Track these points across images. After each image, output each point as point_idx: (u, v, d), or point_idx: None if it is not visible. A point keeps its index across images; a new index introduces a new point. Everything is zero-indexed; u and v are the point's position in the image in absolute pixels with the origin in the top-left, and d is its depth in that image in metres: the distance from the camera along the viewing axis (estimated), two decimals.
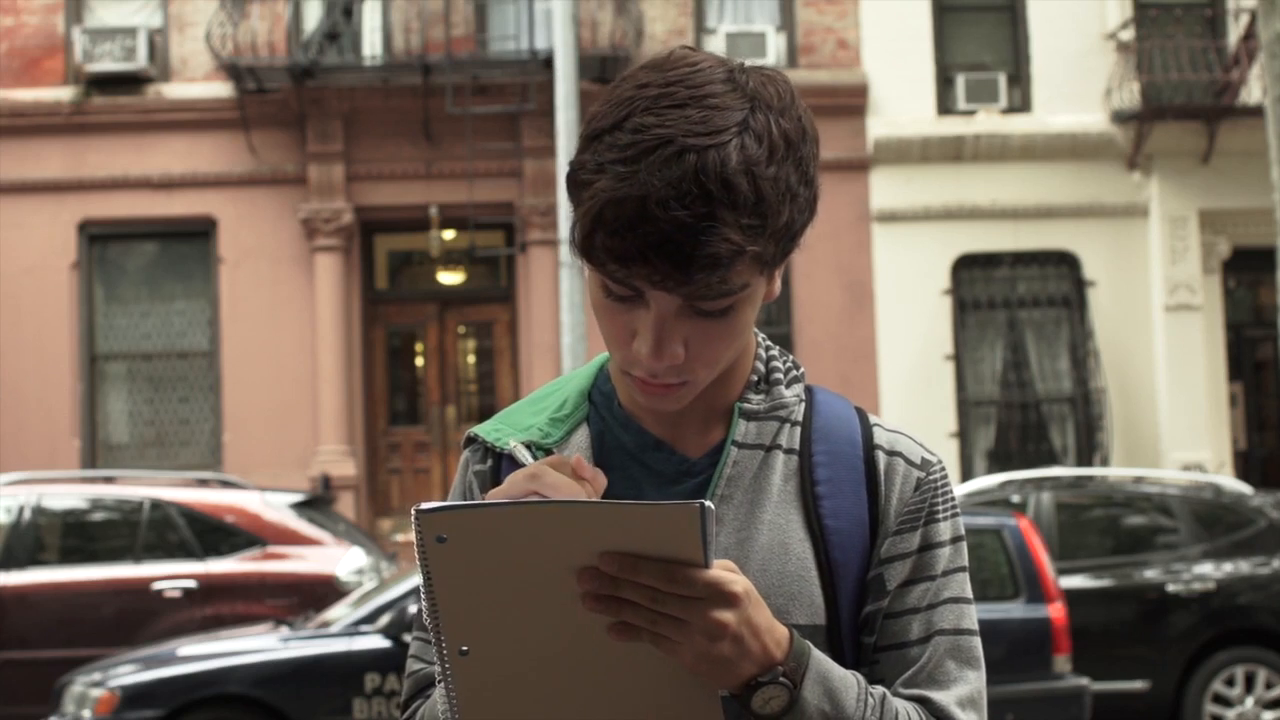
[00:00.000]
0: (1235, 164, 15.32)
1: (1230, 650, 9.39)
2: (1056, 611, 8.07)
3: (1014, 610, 8.14)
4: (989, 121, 15.76)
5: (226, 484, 10.86)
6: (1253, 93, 14.85)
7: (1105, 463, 15.05)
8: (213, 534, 10.01)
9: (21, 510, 10.05)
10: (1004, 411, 15.72)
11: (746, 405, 1.48)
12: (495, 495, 1.33)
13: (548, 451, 1.47)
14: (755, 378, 1.49)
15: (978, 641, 1.49)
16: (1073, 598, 8.72)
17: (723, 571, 1.24)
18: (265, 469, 14.49)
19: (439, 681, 1.31)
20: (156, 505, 10.10)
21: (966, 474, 15.10)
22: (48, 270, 15.40)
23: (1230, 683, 9.37)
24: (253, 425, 15.24)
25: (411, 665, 1.54)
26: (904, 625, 1.45)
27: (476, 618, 1.28)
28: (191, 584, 9.75)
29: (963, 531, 1.51)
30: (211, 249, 15.65)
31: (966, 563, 1.51)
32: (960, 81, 15.85)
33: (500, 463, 1.49)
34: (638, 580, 1.21)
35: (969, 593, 1.50)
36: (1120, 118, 15.58)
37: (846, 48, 15.92)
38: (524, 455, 1.46)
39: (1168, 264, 15.63)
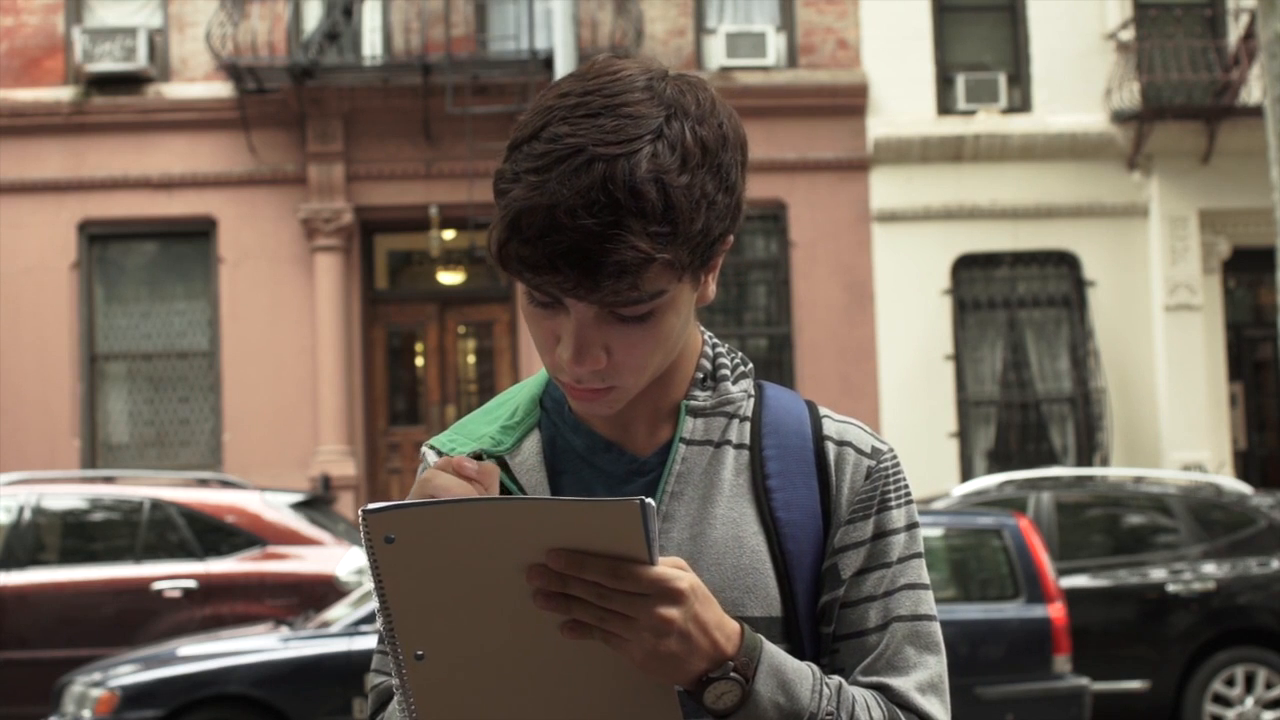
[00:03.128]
0: (1235, 164, 15.32)
1: (1230, 650, 9.39)
2: (1056, 611, 8.07)
3: (1014, 610, 8.14)
4: (989, 121, 15.76)
5: (226, 484, 10.86)
6: (1253, 93, 14.85)
7: (1105, 463, 15.04)
8: (213, 534, 10.01)
9: (21, 510, 10.05)
10: (1004, 411, 15.72)
11: (693, 403, 1.49)
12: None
13: (500, 460, 1.48)
14: (701, 375, 1.50)
15: (936, 626, 1.49)
16: (1073, 598, 8.72)
17: (668, 569, 1.25)
18: (265, 469, 14.49)
19: (396, 690, 1.30)
20: (156, 505, 10.10)
21: (966, 474, 15.10)
22: (48, 270, 15.40)
23: (1230, 683, 9.37)
24: (253, 425, 15.24)
25: (372, 679, 1.54)
26: (861, 613, 1.46)
27: (430, 620, 1.28)
28: (191, 584, 9.75)
29: (917, 518, 1.52)
30: (211, 249, 15.65)
31: (922, 549, 1.52)
32: (960, 81, 15.85)
33: None
34: (584, 577, 1.22)
35: (925, 578, 1.51)
36: (1120, 118, 15.58)
37: (846, 48, 15.92)
38: (431, 458, 1.48)
39: (1168, 264, 15.63)
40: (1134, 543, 10.07)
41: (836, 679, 1.39)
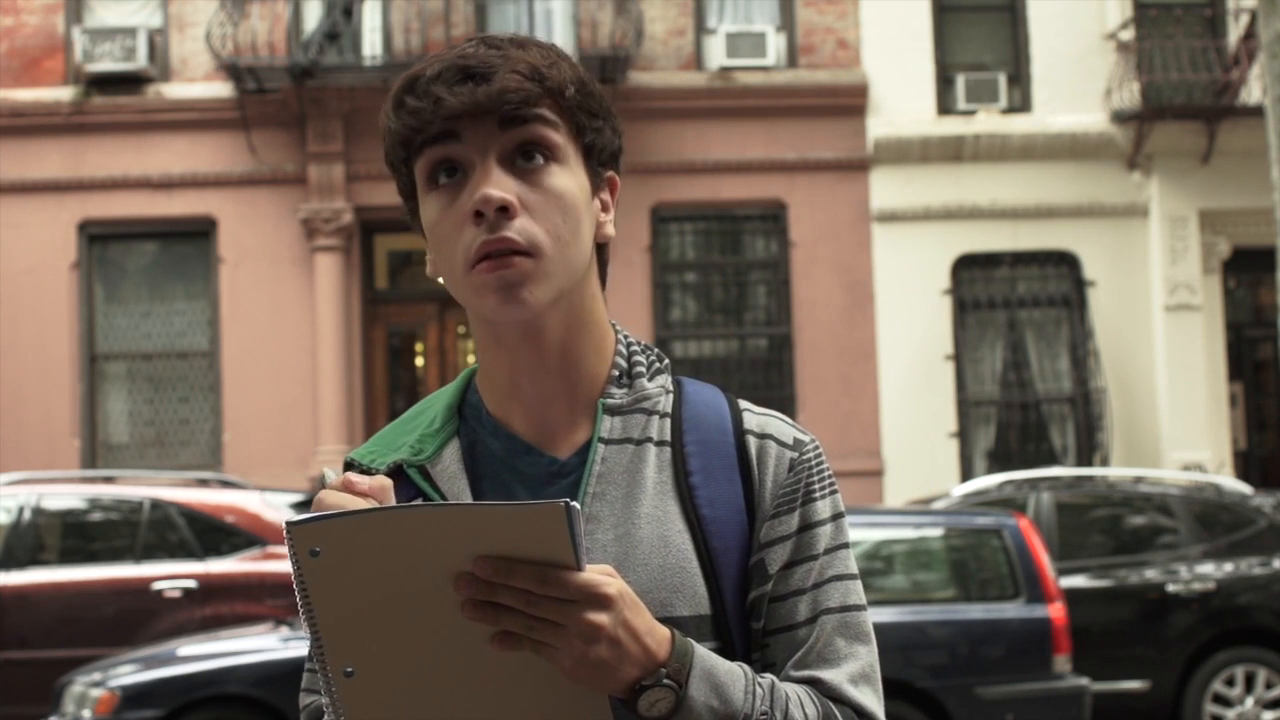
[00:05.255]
0: (1235, 164, 15.32)
1: (1230, 650, 9.40)
2: (1056, 611, 8.07)
3: (1014, 610, 8.14)
4: (989, 121, 15.76)
5: (226, 484, 10.85)
6: (1253, 93, 14.85)
7: (1105, 463, 15.04)
8: (213, 534, 10.01)
9: (21, 510, 10.05)
10: (1004, 411, 15.72)
11: (610, 401, 1.48)
12: None
13: (421, 469, 1.47)
14: (617, 373, 1.50)
15: (866, 616, 1.49)
16: (1073, 598, 8.72)
17: (596, 574, 1.24)
18: (265, 469, 14.49)
19: (326, 709, 1.28)
20: (156, 505, 10.10)
21: (966, 474, 15.10)
22: (48, 270, 15.40)
23: (1230, 683, 9.38)
24: (253, 425, 15.23)
25: (303, 699, 1.51)
26: (791, 607, 1.45)
27: (359, 635, 1.25)
28: (191, 584, 9.75)
29: (842, 508, 1.51)
30: (211, 249, 15.64)
31: (849, 539, 1.51)
32: (960, 81, 15.85)
33: None
34: (512, 584, 1.21)
35: (854, 568, 1.50)
36: (1120, 118, 15.58)
37: (846, 48, 15.92)
38: (330, 475, 1.48)
39: (1168, 264, 15.63)
40: (1134, 543, 10.07)
41: (769, 678, 1.38)
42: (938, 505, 10.06)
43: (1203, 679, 9.33)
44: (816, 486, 1.48)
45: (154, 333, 15.71)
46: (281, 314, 15.38)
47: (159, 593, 9.74)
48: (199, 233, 15.68)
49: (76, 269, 15.50)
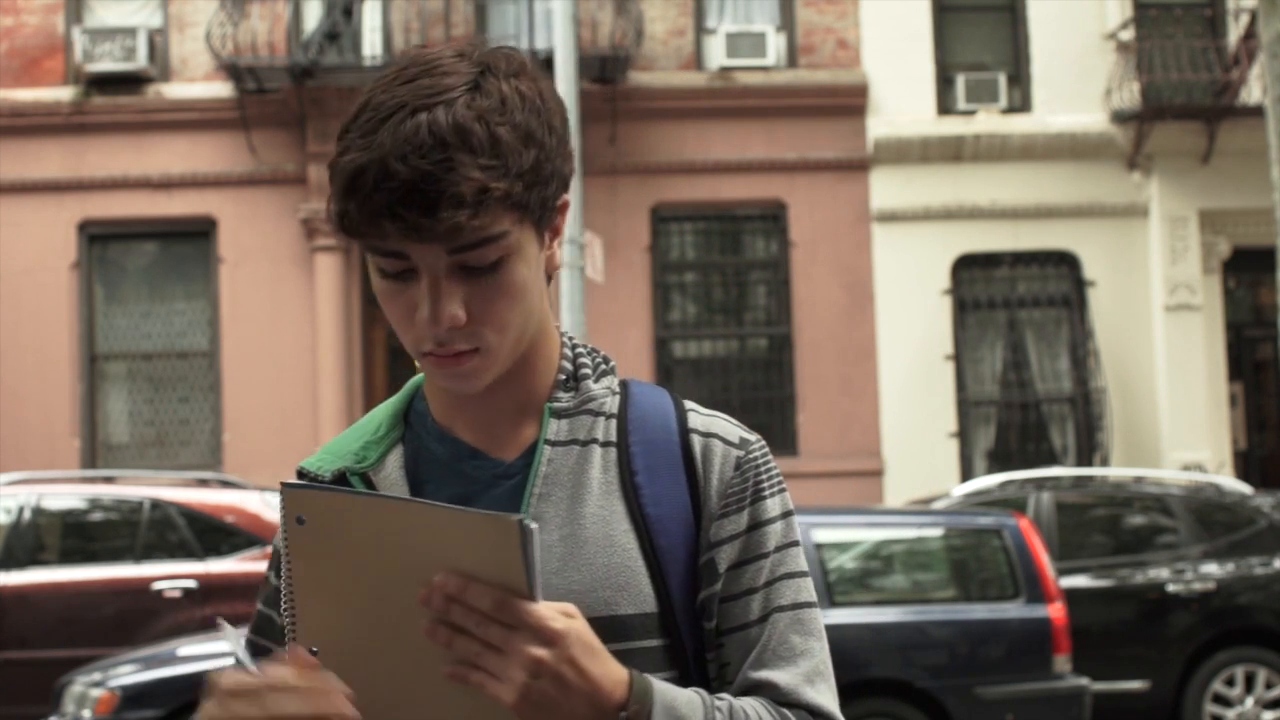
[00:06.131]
0: (1235, 164, 15.32)
1: (1230, 650, 9.40)
2: (1056, 611, 8.07)
3: (1014, 610, 8.14)
4: (989, 121, 15.76)
5: (226, 484, 10.85)
6: (1253, 93, 14.85)
7: (1105, 463, 15.04)
8: (213, 534, 10.01)
9: (21, 510, 10.05)
10: (1004, 411, 15.72)
11: (556, 404, 1.48)
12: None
13: (363, 476, 1.48)
14: (563, 376, 1.51)
15: (817, 613, 1.49)
16: (1073, 598, 8.72)
17: (549, 608, 1.24)
18: (265, 469, 14.48)
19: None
20: (156, 505, 10.10)
21: (966, 474, 15.10)
22: (48, 270, 15.40)
23: (1230, 683, 9.38)
24: (253, 425, 15.24)
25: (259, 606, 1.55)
26: (743, 606, 1.45)
27: (326, 613, 1.28)
28: (191, 584, 9.75)
29: (791, 506, 1.51)
30: (211, 249, 15.64)
31: (798, 536, 1.51)
32: (960, 81, 15.85)
33: None
34: (467, 602, 1.22)
35: (804, 565, 1.50)
36: (1120, 118, 15.58)
37: (846, 48, 15.92)
38: (230, 633, 1.43)
39: (1168, 264, 15.63)
40: (1134, 543, 10.07)
41: (725, 700, 1.39)
42: (938, 505, 10.06)
43: (1203, 679, 9.34)
44: (765, 485, 1.48)
45: (154, 333, 15.71)
46: (281, 314, 15.38)
47: (159, 593, 9.73)
48: (199, 233, 15.68)
49: (76, 269, 15.50)
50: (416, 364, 1.45)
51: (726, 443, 1.49)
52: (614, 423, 1.49)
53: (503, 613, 1.22)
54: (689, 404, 1.53)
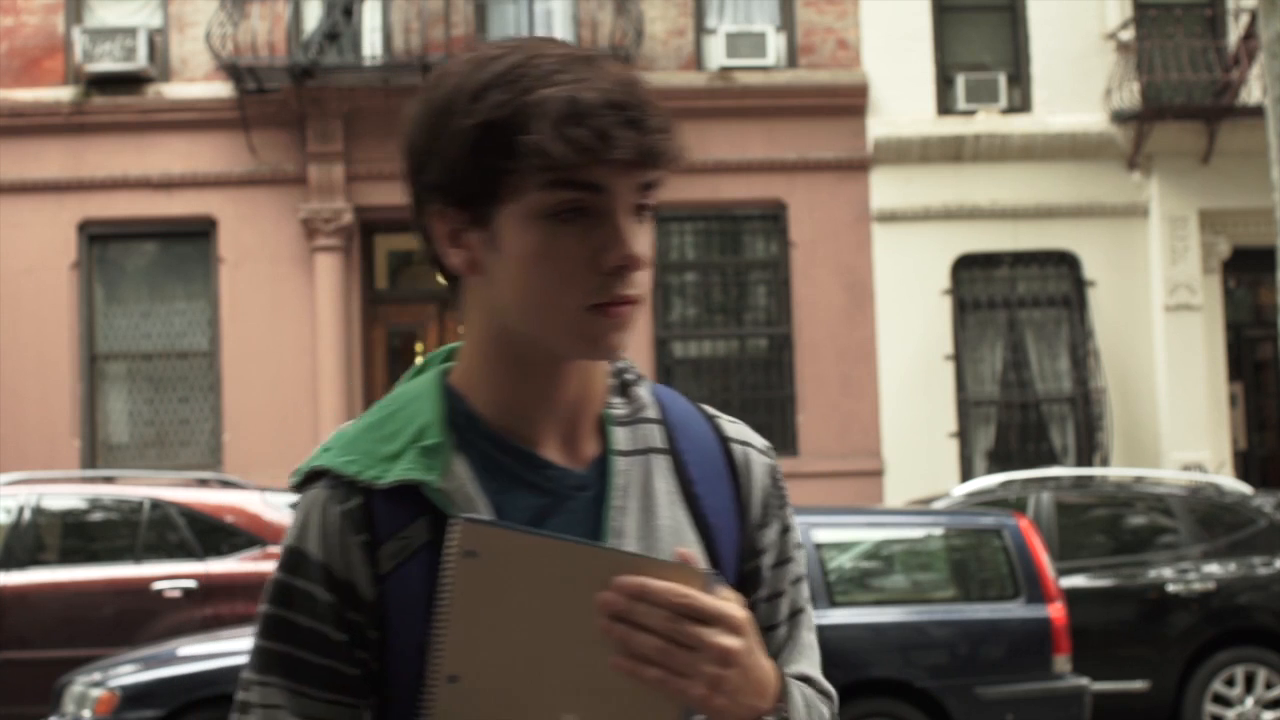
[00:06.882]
0: (1235, 164, 15.32)
1: (1230, 650, 9.39)
2: (1056, 611, 8.07)
3: (1014, 610, 8.14)
4: (989, 121, 15.75)
5: (226, 484, 10.85)
6: (1253, 93, 14.85)
7: (1105, 463, 15.04)
8: (213, 534, 10.01)
9: (21, 510, 10.05)
10: (1004, 411, 15.71)
11: (614, 412, 1.47)
12: None
13: (438, 490, 1.38)
14: (614, 382, 1.49)
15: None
16: (1073, 598, 8.71)
17: (727, 598, 1.28)
18: (265, 469, 14.47)
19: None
20: (156, 505, 10.10)
21: (966, 474, 15.10)
22: (48, 270, 15.40)
23: (1230, 683, 9.37)
24: (253, 425, 15.24)
25: (258, 712, 1.38)
26: (774, 607, 1.50)
27: (478, 644, 1.27)
28: (191, 584, 9.75)
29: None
30: (211, 249, 15.64)
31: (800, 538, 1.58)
32: (960, 81, 15.85)
33: (371, 499, 1.38)
34: (654, 599, 1.24)
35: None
36: (1120, 118, 15.58)
37: (846, 48, 15.92)
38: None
39: (1168, 264, 15.63)
40: (1134, 543, 10.07)
41: (799, 685, 1.44)
42: (938, 505, 10.06)
43: (1203, 679, 9.33)
44: (785, 491, 1.54)
45: (154, 333, 15.71)
46: (281, 314, 15.38)
47: (159, 593, 9.73)
48: (199, 233, 15.68)
49: (76, 269, 15.50)
50: (549, 339, 1.38)
51: (759, 451, 1.53)
52: (662, 429, 1.49)
53: (691, 606, 1.24)
54: (708, 409, 1.55)
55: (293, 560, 1.39)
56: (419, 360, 1.56)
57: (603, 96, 1.31)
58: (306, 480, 1.43)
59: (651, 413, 1.49)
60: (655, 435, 1.47)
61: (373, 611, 1.37)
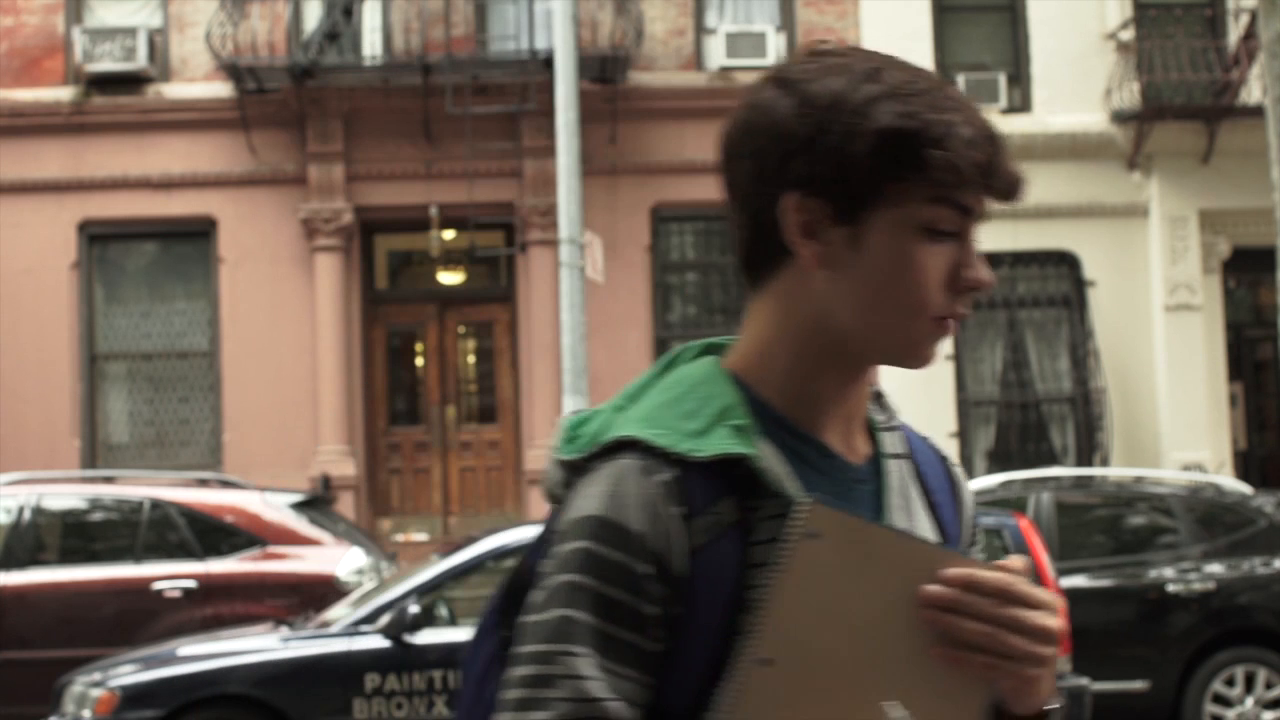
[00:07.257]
0: (1235, 164, 15.32)
1: (1230, 650, 9.38)
2: None
3: None
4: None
5: (226, 484, 10.85)
6: (1253, 93, 14.85)
7: (1105, 463, 15.04)
8: (213, 534, 10.01)
9: (21, 510, 10.05)
10: (1004, 411, 15.72)
11: (878, 417, 1.53)
12: None
13: (762, 468, 1.39)
14: (872, 389, 1.54)
15: None
16: (1073, 598, 8.71)
17: (1032, 585, 1.35)
18: (265, 469, 14.48)
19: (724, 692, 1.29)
20: (156, 505, 10.10)
21: (966, 474, 15.08)
22: (48, 270, 15.40)
23: (1230, 683, 9.37)
24: (253, 425, 15.24)
25: (576, 686, 1.32)
26: None
27: (796, 630, 1.27)
28: (191, 584, 9.75)
29: None
30: (211, 249, 15.65)
31: None
32: (960, 81, 15.84)
33: (687, 472, 1.37)
34: (983, 589, 1.31)
35: None
36: (1120, 118, 15.58)
37: None
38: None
39: (1168, 264, 15.63)
40: (1134, 543, 10.07)
41: None
42: None
43: (1203, 679, 9.33)
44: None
45: (154, 333, 15.72)
46: (281, 314, 15.39)
47: (159, 593, 9.74)
48: (199, 233, 15.68)
49: (76, 269, 15.51)
50: (882, 343, 1.45)
51: (962, 473, 1.61)
52: (904, 440, 1.55)
53: (1017, 592, 1.32)
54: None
55: (604, 530, 1.34)
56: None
57: (987, 127, 1.43)
58: (606, 451, 1.40)
59: (898, 423, 1.55)
60: (903, 444, 1.54)
61: (682, 586, 1.34)
